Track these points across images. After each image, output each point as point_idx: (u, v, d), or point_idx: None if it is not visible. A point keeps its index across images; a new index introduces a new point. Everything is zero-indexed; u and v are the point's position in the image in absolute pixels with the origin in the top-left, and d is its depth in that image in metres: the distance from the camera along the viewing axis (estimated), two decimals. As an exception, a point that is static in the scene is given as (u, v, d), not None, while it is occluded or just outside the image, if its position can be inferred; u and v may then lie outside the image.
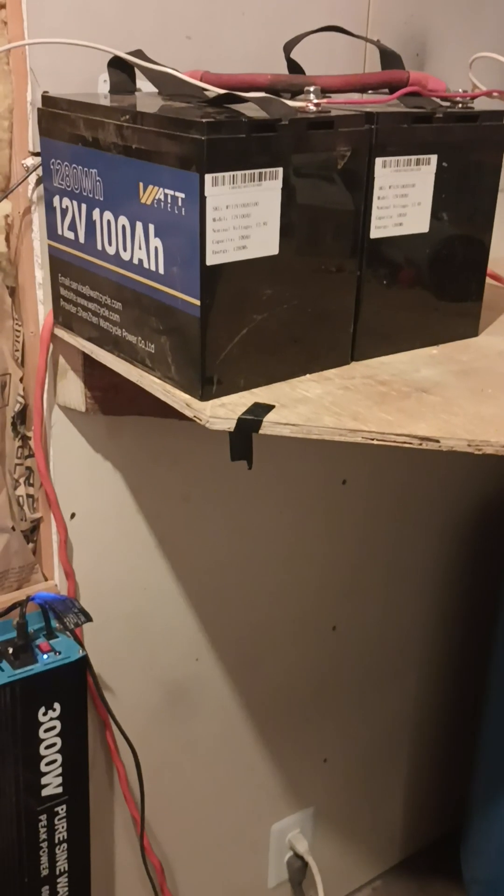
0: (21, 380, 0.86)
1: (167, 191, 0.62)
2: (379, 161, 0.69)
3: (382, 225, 0.71)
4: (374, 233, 0.71)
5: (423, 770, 1.44)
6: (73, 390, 0.85)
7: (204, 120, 0.58)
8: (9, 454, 0.87)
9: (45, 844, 0.90)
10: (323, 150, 0.65)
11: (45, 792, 0.88)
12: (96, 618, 0.90)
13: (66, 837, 0.91)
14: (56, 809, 0.89)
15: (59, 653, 0.86)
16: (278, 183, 0.63)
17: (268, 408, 0.63)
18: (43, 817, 0.88)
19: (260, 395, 0.66)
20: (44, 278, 0.81)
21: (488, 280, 0.82)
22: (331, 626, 1.20)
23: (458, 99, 0.76)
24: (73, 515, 0.91)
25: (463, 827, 1.29)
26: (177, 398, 0.66)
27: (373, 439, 0.61)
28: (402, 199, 0.72)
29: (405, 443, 0.61)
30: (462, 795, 1.31)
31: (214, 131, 0.58)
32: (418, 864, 1.48)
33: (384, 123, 0.68)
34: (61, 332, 0.80)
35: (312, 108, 0.66)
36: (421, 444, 0.60)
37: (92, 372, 0.83)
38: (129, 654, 1.01)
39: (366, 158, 0.68)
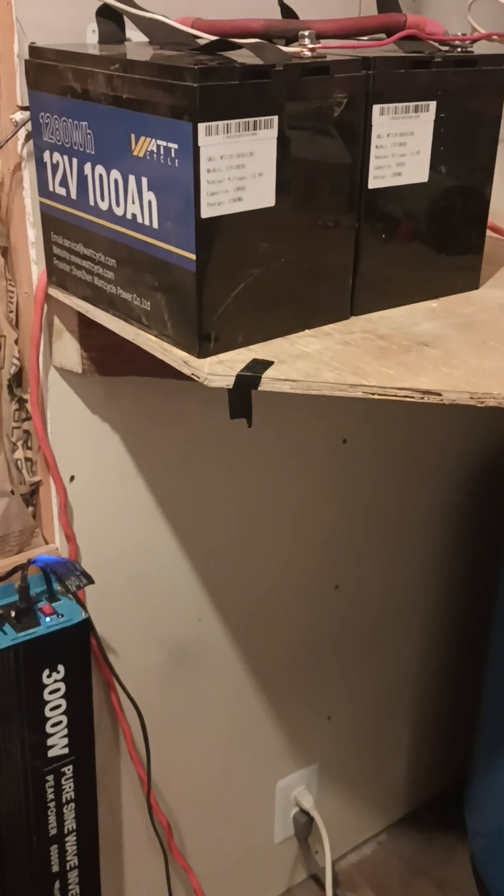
0: (16, 341, 0.85)
1: (160, 142, 0.60)
2: (376, 108, 0.67)
3: (381, 175, 0.70)
4: (373, 183, 0.69)
5: (427, 725, 1.45)
6: (69, 351, 0.84)
7: (196, 67, 0.57)
8: (6, 417, 0.87)
9: (52, 804, 0.90)
10: (319, 97, 0.63)
11: (51, 753, 0.88)
12: (98, 580, 0.90)
13: (73, 797, 0.92)
14: (63, 770, 0.90)
15: (62, 615, 0.86)
16: (273, 132, 0.61)
17: (267, 364, 0.62)
18: (50, 778, 0.89)
19: (258, 351, 0.65)
20: (36, 237, 0.79)
21: (489, 232, 0.80)
22: (333, 584, 1.20)
23: (456, 43, 0.73)
24: (72, 478, 0.90)
25: (466, 780, 1.31)
26: (174, 356, 0.65)
27: (374, 394, 0.60)
28: (401, 147, 0.70)
29: (407, 397, 0.60)
30: (465, 750, 1.32)
31: (207, 78, 0.57)
32: (422, 817, 1.49)
33: (381, 69, 0.66)
34: (55, 292, 0.79)
35: (307, 53, 0.64)
36: (423, 398, 0.60)
37: (88, 332, 0.81)
38: (131, 615, 1.01)
39: (363, 105, 0.66)
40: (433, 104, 0.70)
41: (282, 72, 0.60)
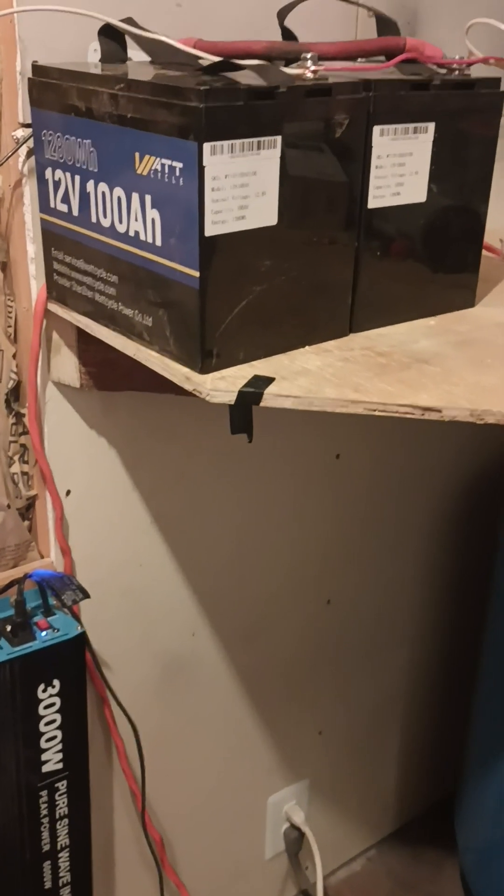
0: (14, 356, 0.85)
1: (164, 160, 0.61)
2: (377, 129, 0.68)
3: (380, 195, 0.71)
4: (372, 202, 0.70)
5: (417, 741, 1.45)
6: (67, 366, 0.84)
7: (201, 87, 0.58)
8: (2, 431, 0.87)
9: (45, 820, 0.90)
10: (321, 118, 0.64)
11: (45, 768, 0.88)
12: (93, 594, 0.90)
13: (66, 813, 0.91)
14: (57, 785, 0.89)
15: (58, 630, 0.86)
16: (277, 151, 0.62)
17: (268, 380, 0.63)
18: (44, 793, 0.89)
19: (259, 367, 0.66)
20: (36, 252, 0.80)
21: (483, 252, 0.81)
22: (325, 599, 1.21)
23: (454, 66, 0.75)
24: (68, 492, 0.90)
25: (456, 796, 1.31)
26: (176, 372, 0.65)
27: (375, 410, 0.61)
28: (400, 168, 0.71)
29: (407, 413, 0.61)
30: (455, 765, 1.32)
31: (212, 99, 0.58)
32: (412, 832, 1.49)
33: (382, 91, 0.67)
34: (55, 308, 0.79)
35: (310, 75, 0.65)
36: (423, 415, 0.60)
37: (86, 347, 0.82)
38: (126, 629, 1.01)
39: (363, 126, 0.67)
40: (432, 125, 0.71)
41: (285, 93, 0.61)
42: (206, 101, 0.57)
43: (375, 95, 0.67)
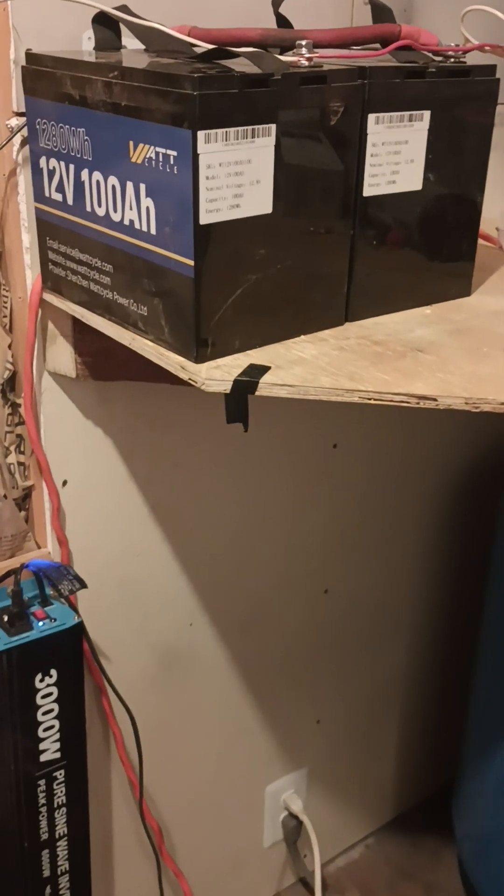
0: (10, 346, 0.85)
1: (158, 149, 0.60)
2: (372, 117, 0.68)
3: (375, 183, 0.71)
4: (368, 191, 0.70)
5: (415, 729, 1.46)
6: (63, 356, 0.84)
7: (195, 75, 0.57)
8: (-1, 422, 0.87)
9: (44, 809, 0.90)
10: (316, 106, 0.64)
11: (43, 757, 0.88)
12: (90, 584, 0.90)
13: (64, 802, 0.91)
14: (55, 774, 0.89)
15: (55, 620, 0.86)
16: (271, 140, 0.62)
17: (264, 369, 0.63)
18: (42, 782, 0.89)
19: (255, 356, 0.66)
20: (31, 242, 0.79)
21: (479, 240, 0.81)
22: (323, 589, 1.21)
23: (450, 53, 0.74)
24: (65, 483, 0.90)
25: (454, 784, 1.31)
26: (171, 361, 0.65)
27: (370, 399, 0.61)
28: (395, 156, 0.71)
29: (403, 402, 0.60)
30: (453, 754, 1.33)
31: (206, 86, 0.57)
32: (411, 820, 1.50)
33: (377, 78, 0.67)
34: (50, 297, 0.79)
35: (304, 62, 0.65)
36: (419, 403, 0.60)
37: (82, 337, 0.82)
38: (124, 619, 1.01)
39: (359, 114, 0.67)
40: (427, 113, 0.71)
41: (280, 80, 0.61)
42: (200, 88, 0.57)
43: (370, 83, 0.67)
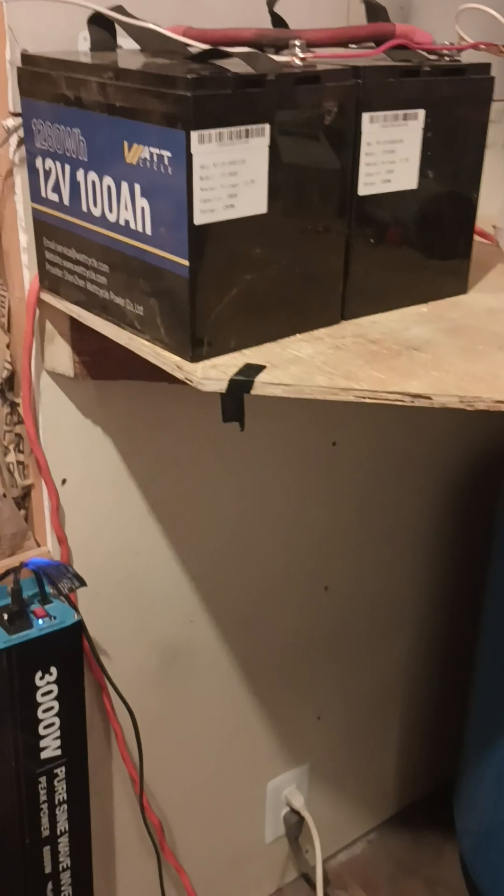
0: (8, 346, 0.85)
1: (153, 149, 0.61)
2: (366, 116, 0.68)
3: (370, 182, 0.71)
4: (363, 190, 0.70)
5: (416, 725, 1.46)
6: (61, 355, 0.84)
7: (189, 76, 0.58)
8: (-2, 421, 0.87)
9: (45, 806, 0.91)
10: (310, 106, 0.64)
11: (43, 755, 0.88)
12: (90, 583, 0.90)
13: (65, 799, 0.92)
14: (55, 772, 0.90)
15: (55, 618, 0.86)
16: (265, 140, 0.62)
17: (259, 368, 0.63)
18: (42, 779, 0.89)
19: (251, 355, 0.66)
20: (28, 242, 0.80)
21: (476, 237, 0.81)
22: (323, 586, 1.21)
23: (444, 52, 0.75)
24: (64, 481, 0.91)
25: (455, 780, 1.32)
26: (167, 360, 0.65)
27: (365, 397, 0.61)
28: (390, 155, 0.71)
29: (397, 400, 0.61)
30: (454, 749, 1.33)
31: (200, 87, 0.58)
32: (412, 816, 1.50)
33: (371, 78, 0.67)
34: (48, 297, 0.79)
35: (298, 62, 0.65)
36: (413, 402, 0.60)
37: (80, 336, 0.82)
38: (123, 617, 1.01)
39: (353, 113, 0.67)
40: (422, 112, 0.71)
41: (274, 81, 0.61)
42: (194, 89, 0.57)
43: (364, 82, 0.67)
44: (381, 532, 1.25)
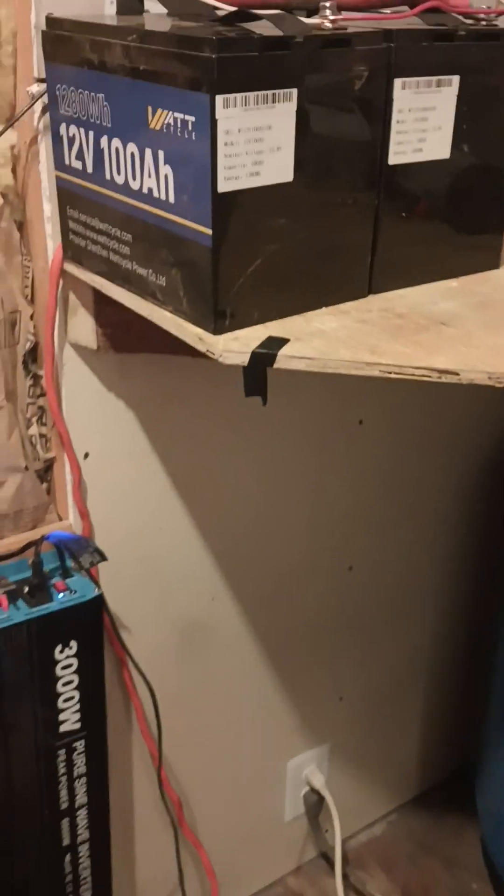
0: (31, 317, 0.84)
1: (176, 114, 0.59)
2: (398, 82, 0.66)
3: (401, 151, 0.69)
4: (393, 159, 0.68)
5: (438, 706, 1.45)
6: (84, 327, 0.83)
7: (214, 38, 0.56)
8: (20, 393, 0.86)
9: (64, 778, 0.91)
10: (339, 70, 0.62)
11: (63, 728, 0.89)
12: (111, 557, 0.90)
13: (84, 772, 0.92)
14: (74, 745, 0.90)
15: (75, 592, 0.86)
16: (292, 105, 0.60)
17: (282, 341, 0.62)
18: (62, 752, 0.90)
19: (274, 328, 0.65)
20: (52, 211, 0.79)
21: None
22: (347, 565, 1.20)
23: (481, 16, 0.72)
24: (86, 455, 0.90)
25: (477, 761, 1.31)
26: (189, 332, 0.64)
27: (390, 373, 0.59)
28: (422, 123, 0.69)
29: (424, 376, 0.59)
30: (476, 730, 1.32)
31: (225, 49, 0.56)
32: (433, 797, 1.50)
33: (403, 41, 0.65)
34: (71, 267, 0.78)
35: (328, 25, 0.63)
36: (440, 377, 0.59)
37: (103, 308, 0.81)
38: (144, 592, 1.01)
39: (384, 79, 0.65)
40: (456, 79, 0.69)
41: (302, 44, 0.59)
42: (219, 51, 0.56)
43: (396, 46, 0.65)
44: (404, 512, 1.23)
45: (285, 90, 0.59)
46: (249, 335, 0.63)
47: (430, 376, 0.59)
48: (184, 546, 1.02)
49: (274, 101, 0.59)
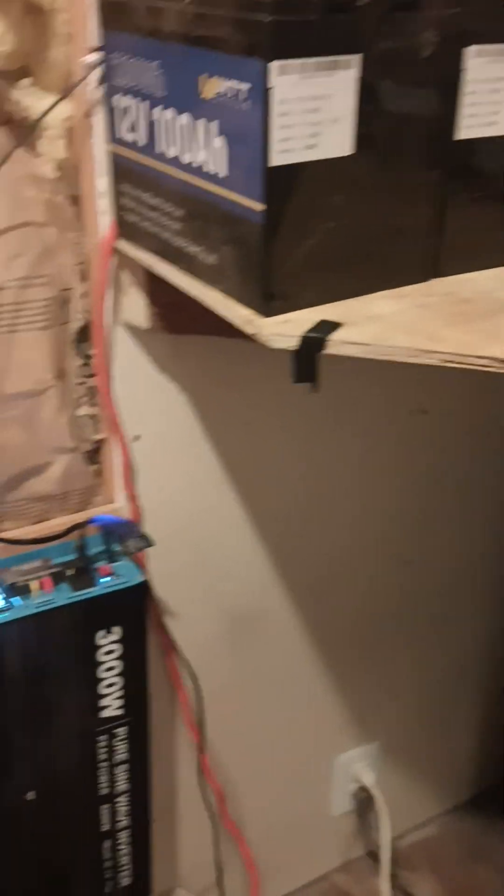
0: (83, 296, 0.82)
1: (229, 83, 0.56)
2: (471, 50, 0.61)
3: (473, 125, 0.64)
4: (463, 133, 0.64)
5: (496, 707, 1.40)
6: (136, 306, 0.81)
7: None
8: (70, 373, 0.85)
9: (104, 764, 0.90)
10: (406, 36, 0.58)
11: (104, 713, 0.87)
12: (160, 543, 0.88)
13: (127, 758, 0.91)
14: (116, 731, 0.89)
15: (119, 576, 0.84)
16: (353, 73, 0.56)
17: (335, 325, 0.58)
18: (103, 738, 0.88)
19: (328, 311, 0.61)
20: (105, 186, 0.76)
21: None
22: (403, 558, 1.16)
23: None
24: (136, 438, 0.88)
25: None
26: (237, 314, 0.61)
27: (450, 361, 0.55)
28: (497, 94, 0.64)
29: (486, 366, 0.55)
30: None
31: (281, 11, 0.52)
32: (488, 801, 1.45)
33: (478, 5, 0.60)
34: (122, 245, 0.76)
35: (395, -13, 0.58)
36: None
37: (156, 287, 0.78)
38: (192, 580, 0.99)
39: (456, 46, 0.61)
40: (536, 46, 0.64)
41: (366, 6, 0.55)
42: (274, 13, 0.52)
43: (471, 10, 0.60)
44: (459, 507, 1.19)
45: (346, 57, 0.56)
46: (301, 318, 0.60)
47: (492, 366, 0.55)
48: (233, 533, 1.00)
49: (333, 69, 0.55)
